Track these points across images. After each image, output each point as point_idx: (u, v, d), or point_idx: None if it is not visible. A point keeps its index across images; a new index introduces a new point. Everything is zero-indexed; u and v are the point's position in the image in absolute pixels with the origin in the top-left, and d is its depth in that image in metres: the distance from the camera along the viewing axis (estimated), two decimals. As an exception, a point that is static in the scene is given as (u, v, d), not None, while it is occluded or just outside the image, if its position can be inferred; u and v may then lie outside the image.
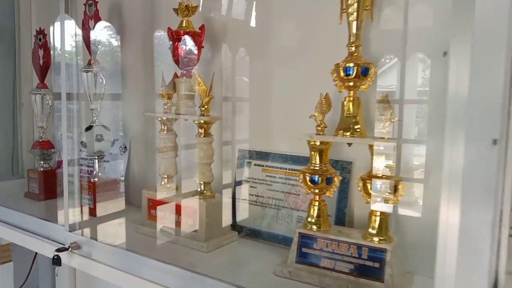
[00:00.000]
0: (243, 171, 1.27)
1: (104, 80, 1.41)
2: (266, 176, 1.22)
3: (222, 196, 1.22)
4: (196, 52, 1.19)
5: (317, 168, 0.98)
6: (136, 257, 1.02)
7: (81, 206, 1.18)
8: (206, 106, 1.15)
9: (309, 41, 1.14)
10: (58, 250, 1.08)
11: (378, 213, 0.93)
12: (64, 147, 1.15)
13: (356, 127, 0.94)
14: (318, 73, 1.06)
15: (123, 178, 1.57)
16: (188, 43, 1.18)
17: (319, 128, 0.97)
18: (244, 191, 1.26)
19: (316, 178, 0.98)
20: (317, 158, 0.98)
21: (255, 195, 1.23)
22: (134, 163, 1.59)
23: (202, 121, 1.15)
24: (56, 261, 1.07)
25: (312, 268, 0.96)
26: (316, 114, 0.97)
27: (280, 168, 1.20)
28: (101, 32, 1.46)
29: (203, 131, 1.17)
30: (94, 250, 1.09)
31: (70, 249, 1.09)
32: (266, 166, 1.23)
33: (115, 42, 1.56)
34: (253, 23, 1.24)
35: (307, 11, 1.12)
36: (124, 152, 1.59)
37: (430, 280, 0.58)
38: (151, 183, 1.44)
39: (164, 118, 1.24)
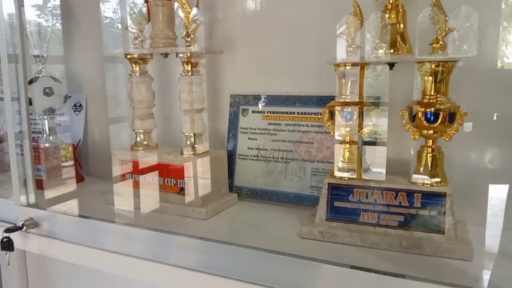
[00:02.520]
0: (237, 120, 1.04)
1: (50, 16, 1.10)
2: (269, 124, 1.00)
3: (219, 151, 0.98)
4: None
5: (348, 99, 0.78)
6: (124, 230, 0.77)
7: (35, 180, 0.90)
8: (192, 36, 0.91)
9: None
10: (8, 230, 0.79)
11: (430, 150, 0.75)
12: (8, 106, 0.86)
13: (402, 41, 0.74)
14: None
15: (81, 143, 1.29)
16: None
17: (351, 49, 0.76)
18: (241, 145, 1.03)
19: (348, 114, 0.78)
20: (348, 86, 0.78)
21: (256, 148, 1.01)
22: (93, 125, 1.30)
23: (188, 54, 0.91)
24: (7, 244, 0.79)
25: (349, 225, 0.77)
26: (348, 31, 0.76)
27: (286, 113, 0.99)
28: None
29: (190, 68, 0.92)
30: (59, 227, 0.81)
31: (24, 227, 0.81)
32: (267, 112, 1.01)
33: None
34: None
35: None
36: (80, 111, 1.30)
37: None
38: (119, 145, 1.17)
39: (136, 56, 0.97)
